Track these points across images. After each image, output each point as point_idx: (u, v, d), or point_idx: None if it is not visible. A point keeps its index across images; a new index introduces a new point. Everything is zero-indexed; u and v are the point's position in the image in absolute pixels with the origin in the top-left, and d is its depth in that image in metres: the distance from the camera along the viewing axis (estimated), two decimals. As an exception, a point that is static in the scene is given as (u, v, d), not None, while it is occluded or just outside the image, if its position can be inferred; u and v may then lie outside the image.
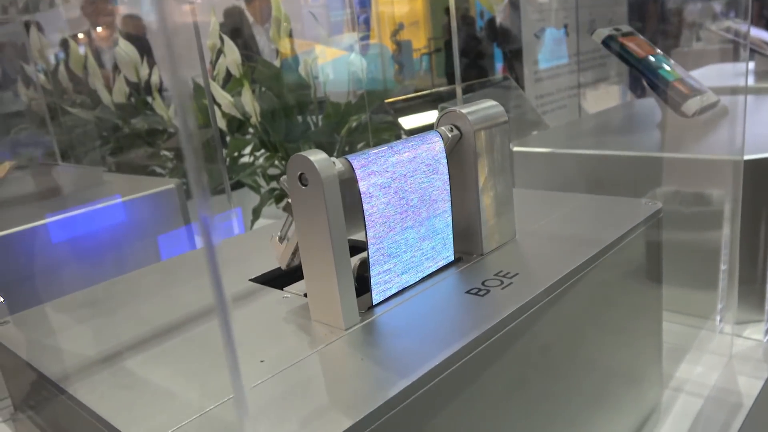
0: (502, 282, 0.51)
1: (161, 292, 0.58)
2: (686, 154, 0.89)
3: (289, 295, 0.53)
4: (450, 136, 0.55)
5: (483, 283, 0.51)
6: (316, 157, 0.44)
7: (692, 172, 0.89)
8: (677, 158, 0.89)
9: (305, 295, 0.52)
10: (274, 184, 1.46)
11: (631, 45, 1.07)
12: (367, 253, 0.47)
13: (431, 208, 0.53)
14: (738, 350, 0.79)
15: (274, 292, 0.54)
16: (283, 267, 0.53)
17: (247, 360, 0.43)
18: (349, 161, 0.46)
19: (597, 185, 0.96)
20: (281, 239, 0.52)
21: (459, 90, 1.27)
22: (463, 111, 0.56)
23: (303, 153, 0.44)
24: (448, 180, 0.54)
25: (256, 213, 1.42)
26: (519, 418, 0.48)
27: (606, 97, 2.07)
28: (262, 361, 0.43)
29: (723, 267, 0.83)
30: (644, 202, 0.67)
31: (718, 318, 0.83)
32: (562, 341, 0.53)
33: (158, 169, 1.60)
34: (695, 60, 1.49)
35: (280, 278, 0.59)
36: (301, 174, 0.45)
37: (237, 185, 1.56)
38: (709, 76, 1.27)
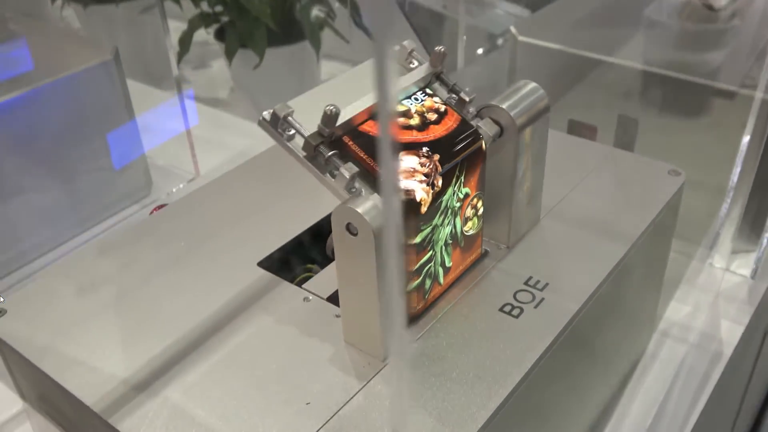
0: (533, 297, 0.51)
1: (176, 274, 0.56)
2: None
3: (311, 298, 0.52)
4: (491, 135, 0.52)
5: (515, 297, 0.52)
6: (364, 207, 0.42)
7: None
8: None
9: (329, 300, 0.52)
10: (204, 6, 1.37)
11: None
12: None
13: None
14: (725, 287, 0.83)
15: (292, 290, 0.53)
16: None
17: (294, 400, 0.44)
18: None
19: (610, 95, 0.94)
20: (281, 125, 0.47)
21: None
22: (505, 107, 0.52)
23: (349, 205, 0.42)
24: (484, 174, 0.52)
25: (184, 45, 1.33)
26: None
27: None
28: (308, 404, 0.44)
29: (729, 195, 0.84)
30: (668, 172, 0.66)
31: (711, 249, 0.86)
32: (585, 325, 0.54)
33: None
34: None
35: (290, 259, 0.58)
36: (348, 224, 0.42)
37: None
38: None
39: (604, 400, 0.67)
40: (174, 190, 1.02)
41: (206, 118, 1.19)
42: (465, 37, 1.17)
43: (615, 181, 0.65)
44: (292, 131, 0.46)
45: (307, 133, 0.45)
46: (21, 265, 0.88)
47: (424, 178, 0.46)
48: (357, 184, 0.44)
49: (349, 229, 0.42)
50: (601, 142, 0.94)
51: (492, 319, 0.50)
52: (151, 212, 0.63)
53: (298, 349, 0.48)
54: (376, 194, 0.43)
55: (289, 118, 0.46)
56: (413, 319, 0.50)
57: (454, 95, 0.53)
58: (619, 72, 0.90)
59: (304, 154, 0.46)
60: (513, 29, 0.96)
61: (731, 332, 0.77)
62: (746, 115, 0.81)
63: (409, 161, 0.46)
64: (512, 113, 0.52)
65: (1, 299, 0.53)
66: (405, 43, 0.54)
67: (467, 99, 0.52)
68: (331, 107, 0.44)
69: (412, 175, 0.46)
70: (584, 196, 0.63)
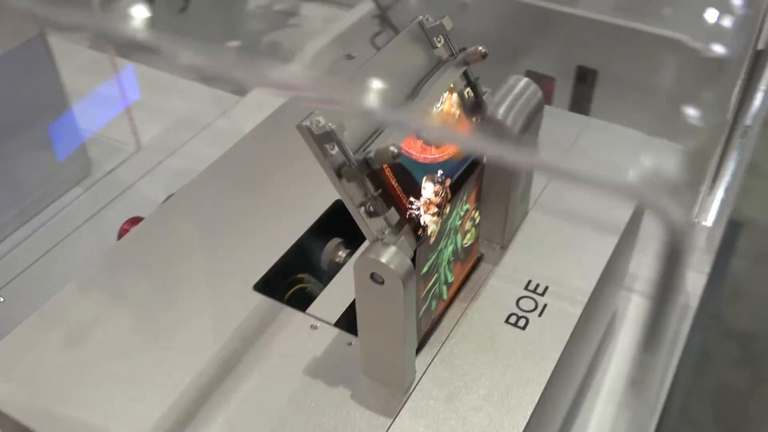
0: (536, 304, 0.52)
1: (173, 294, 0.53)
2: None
3: (318, 325, 0.51)
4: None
5: (517, 304, 0.52)
6: (389, 257, 0.40)
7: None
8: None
9: (336, 325, 0.51)
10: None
11: None
12: None
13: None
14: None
15: (298, 317, 0.52)
16: None
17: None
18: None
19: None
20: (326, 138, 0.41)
21: None
22: (501, 116, 0.50)
23: (372, 255, 0.40)
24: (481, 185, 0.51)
25: None
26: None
27: None
28: (338, 451, 0.44)
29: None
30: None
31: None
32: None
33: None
34: None
35: (283, 279, 0.56)
36: (372, 273, 0.41)
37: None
38: None
39: (587, 366, 0.70)
40: (115, 167, 0.96)
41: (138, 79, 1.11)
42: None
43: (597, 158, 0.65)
44: (335, 149, 0.40)
45: (354, 159, 0.40)
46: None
47: (436, 209, 0.45)
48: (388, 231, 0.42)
49: (374, 278, 0.41)
50: (559, 92, 0.93)
51: (500, 334, 0.50)
52: (122, 228, 0.59)
53: (315, 388, 0.47)
54: (399, 240, 0.42)
55: (341, 139, 0.40)
56: (422, 341, 0.49)
57: (470, 92, 0.51)
58: (578, 23, 0.88)
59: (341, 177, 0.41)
60: (465, -21, 0.92)
61: (695, 282, 0.81)
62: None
63: (426, 191, 0.44)
64: (509, 121, 0.50)
65: (1, 299, 0.48)
66: (444, 20, 0.50)
67: (484, 105, 0.50)
68: (395, 149, 0.39)
69: (427, 208, 0.44)
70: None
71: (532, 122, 0.52)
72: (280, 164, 0.65)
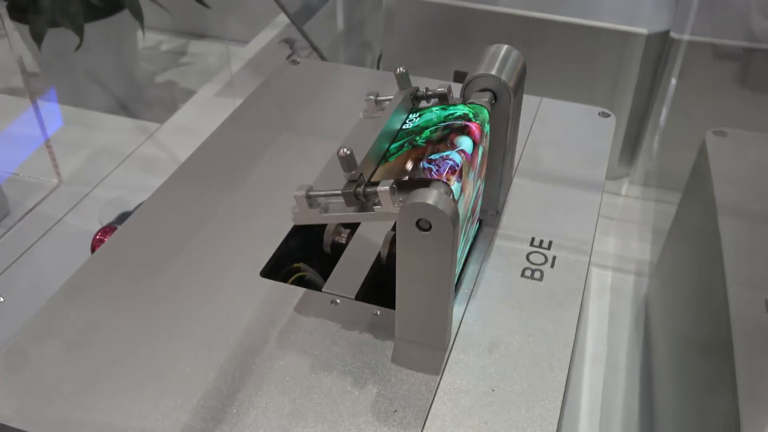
0: (545, 258, 0.53)
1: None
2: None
3: (339, 300, 0.49)
4: (490, 108, 0.51)
5: (528, 259, 0.52)
6: (435, 198, 0.39)
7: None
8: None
9: (356, 298, 0.49)
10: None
11: None
12: None
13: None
14: (621, 212, 0.91)
15: (316, 295, 0.49)
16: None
17: (380, 413, 0.41)
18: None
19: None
20: (312, 203, 0.45)
21: None
22: (494, 73, 0.51)
23: (419, 200, 0.39)
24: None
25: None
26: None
27: None
28: (395, 411, 0.42)
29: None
30: (599, 114, 0.70)
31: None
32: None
33: None
34: None
35: (287, 263, 0.54)
36: (419, 220, 0.40)
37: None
38: None
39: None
40: (36, 203, 0.88)
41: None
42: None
43: (558, 130, 0.68)
44: (325, 202, 0.43)
45: (340, 190, 0.42)
46: None
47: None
48: (401, 196, 0.41)
49: (420, 224, 0.40)
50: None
51: (520, 287, 0.50)
52: (96, 238, 0.54)
53: (354, 358, 0.45)
54: (432, 188, 0.41)
55: (313, 192, 0.43)
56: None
57: (435, 98, 0.52)
58: (499, 19, 0.92)
59: (351, 208, 0.42)
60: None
61: (641, 251, 0.85)
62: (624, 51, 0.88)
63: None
64: (503, 78, 0.51)
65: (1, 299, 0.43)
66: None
67: (447, 92, 0.51)
68: (343, 149, 0.41)
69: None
70: (538, 148, 0.65)
71: (521, 81, 0.54)
72: (252, 157, 0.62)
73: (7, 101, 0.95)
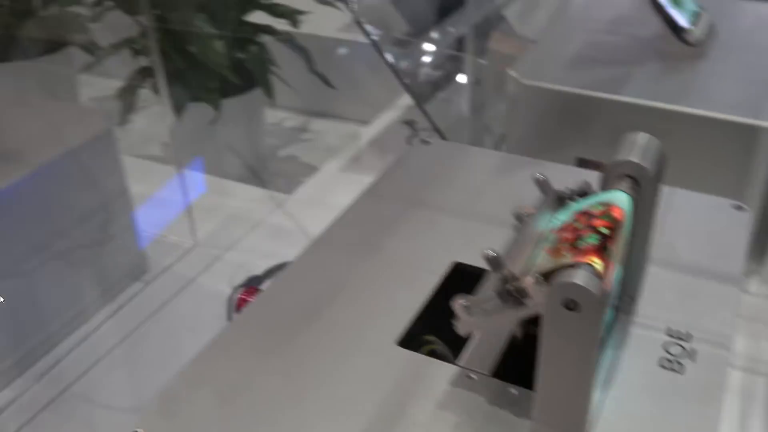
0: (684, 350, 0.52)
1: None
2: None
3: (474, 376, 0.50)
4: (632, 194, 0.52)
5: (666, 349, 0.52)
6: (585, 278, 0.40)
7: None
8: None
9: (494, 375, 0.49)
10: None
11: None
12: None
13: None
14: (751, 311, 0.87)
15: (451, 369, 0.50)
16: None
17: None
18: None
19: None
20: (470, 311, 0.47)
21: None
22: (637, 160, 0.52)
23: (568, 279, 0.40)
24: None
25: (127, 102, 1.27)
26: None
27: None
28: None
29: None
30: (732, 206, 0.68)
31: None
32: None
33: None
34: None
35: (421, 333, 0.55)
36: (567, 300, 0.40)
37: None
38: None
39: None
40: (172, 261, 0.95)
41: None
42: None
43: (691, 221, 0.67)
44: (482, 307, 0.45)
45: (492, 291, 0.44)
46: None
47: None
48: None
49: (568, 305, 0.40)
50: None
51: (659, 378, 0.49)
52: (240, 297, 0.57)
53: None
54: (579, 268, 0.42)
55: (468, 302, 0.45)
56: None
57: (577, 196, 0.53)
58: (623, 109, 0.93)
59: (507, 307, 0.44)
60: (513, 72, 0.98)
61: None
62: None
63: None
64: (645, 165, 0.52)
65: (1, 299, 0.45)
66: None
67: (588, 189, 0.53)
68: (489, 251, 0.43)
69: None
70: (670, 238, 0.64)
71: (661, 169, 0.54)
72: (389, 230, 0.65)
73: (155, 168, 1.03)
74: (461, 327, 0.46)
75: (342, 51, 1.65)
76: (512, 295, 0.43)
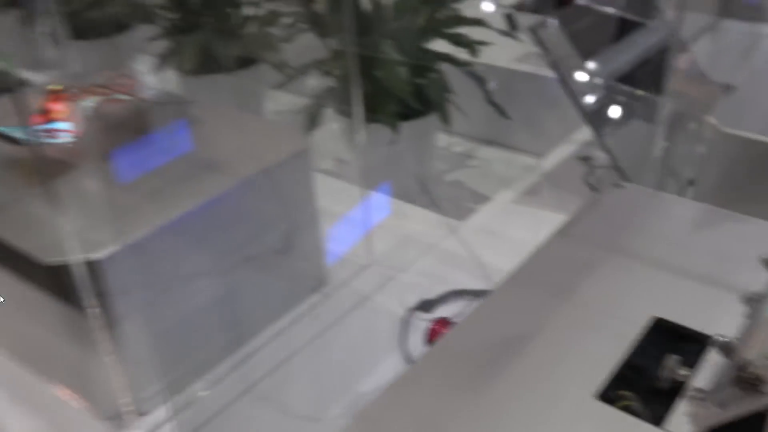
0: None
1: None
2: None
3: (681, 439, 0.48)
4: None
5: None
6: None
7: None
8: None
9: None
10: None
11: None
12: None
13: None
14: None
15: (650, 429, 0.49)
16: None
17: None
18: None
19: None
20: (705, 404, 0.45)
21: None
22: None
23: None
24: None
25: (313, 120, 1.32)
26: None
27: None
28: None
29: None
30: None
31: None
32: None
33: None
34: None
35: (618, 388, 0.53)
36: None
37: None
38: None
39: None
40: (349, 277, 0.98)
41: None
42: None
43: None
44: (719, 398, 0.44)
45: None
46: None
47: None
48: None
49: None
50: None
51: None
52: (432, 329, 0.59)
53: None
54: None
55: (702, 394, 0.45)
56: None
57: None
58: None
59: (746, 396, 0.42)
60: (712, 119, 0.93)
61: None
62: None
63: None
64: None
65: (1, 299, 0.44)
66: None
67: None
68: (718, 336, 0.42)
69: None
70: None
71: None
72: (584, 274, 0.64)
73: (338, 185, 1.09)
74: (697, 422, 0.44)
75: (517, 81, 1.64)
76: (749, 382, 0.41)
